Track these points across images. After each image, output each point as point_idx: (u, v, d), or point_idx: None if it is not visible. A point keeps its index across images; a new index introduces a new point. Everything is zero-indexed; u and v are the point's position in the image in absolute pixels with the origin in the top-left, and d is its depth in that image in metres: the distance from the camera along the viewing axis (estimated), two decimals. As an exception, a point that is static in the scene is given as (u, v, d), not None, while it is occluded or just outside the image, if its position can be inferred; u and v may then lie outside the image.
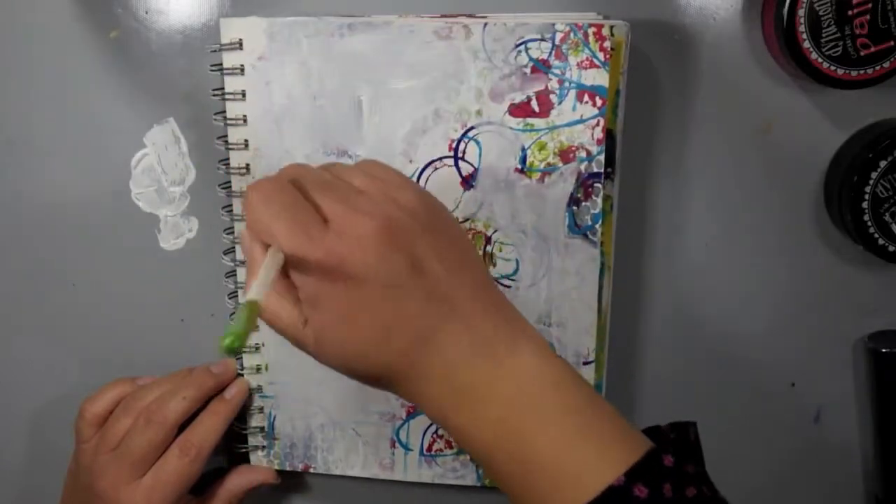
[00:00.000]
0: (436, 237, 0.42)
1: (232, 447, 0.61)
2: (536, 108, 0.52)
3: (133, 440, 0.54)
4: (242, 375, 0.59)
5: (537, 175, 0.53)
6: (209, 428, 0.56)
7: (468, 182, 0.54)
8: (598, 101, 0.52)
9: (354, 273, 0.40)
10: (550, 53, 0.52)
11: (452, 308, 0.41)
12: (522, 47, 0.52)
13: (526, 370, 0.41)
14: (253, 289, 0.39)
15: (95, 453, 0.55)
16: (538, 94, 0.52)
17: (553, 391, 0.41)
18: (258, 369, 0.58)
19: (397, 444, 0.59)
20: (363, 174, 0.44)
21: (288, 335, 0.43)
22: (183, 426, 0.56)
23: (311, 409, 0.59)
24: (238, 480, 0.60)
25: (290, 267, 0.41)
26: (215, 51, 0.54)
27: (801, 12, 0.52)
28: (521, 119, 0.53)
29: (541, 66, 0.52)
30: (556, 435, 0.40)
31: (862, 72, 0.53)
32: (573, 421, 0.40)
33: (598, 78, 0.51)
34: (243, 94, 0.54)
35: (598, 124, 0.52)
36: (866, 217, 0.55)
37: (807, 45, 0.52)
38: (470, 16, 0.53)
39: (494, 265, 0.55)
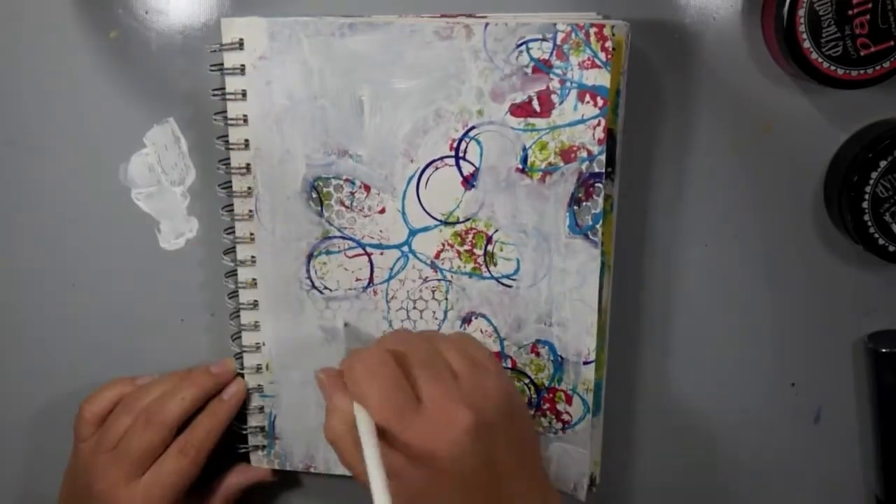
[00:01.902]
0: (511, 431, 0.46)
1: (232, 447, 0.61)
2: (537, 108, 0.52)
3: (132, 440, 0.54)
4: (242, 375, 0.59)
5: (538, 175, 0.54)
6: (208, 428, 0.56)
7: (469, 182, 0.54)
8: (600, 101, 0.52)
9: (437, 465, 0.43)
10: (551, 53, 0.52)
11: (509, 501, 0.45)
12: (523, 47, 0.52)
13: None
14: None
15: (94, 453, 0.55)
16: (539, 94, 0.52)
17: None
18: (258, 369, 0.58)
19: (398, 445, 0.59)
20: (459, 353, 0.47)
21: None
22: (183, 426, 0.56)
23: (311, 408, 0.59)
24: (235, 479, 0.60)
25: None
26: (215, 51, 0.54)
27: (801, 12, 0.52)
28: (522, 119, 0.53)
29: (542, 66, 0.52)
30: None
31: (862, 72, 0.53)
32: None
33: (600, 78, 0.51)
34: (244, 94, 0.54)
35: (599, 124, 0.52)
36: (866, 217, 0.55)
37: (807, 45, 0.52)
38: (470, 15, 0.53)
39: (495, 265, 0.55)
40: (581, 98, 0.52)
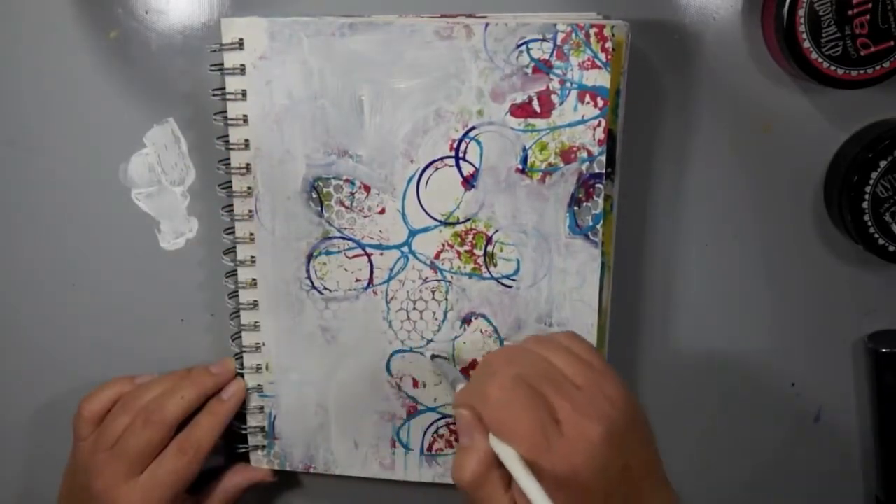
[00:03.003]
0: (637, 432, 0.45)
1: (232, 447, 0.61)
2: (538, 109, 0.52)
3: (130, 439, 0.54)
4: (242, 375, 0.59)
5: (538, 175, 0.53)
6: (206, 428, 0.56)
7: (469, 182, 0.54)
8: (600, 102, 0.52)
9: (582, 482, 0.43)
10: (552, 54, 0.52)
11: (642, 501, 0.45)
12: (524, 47, 0.52)
13: None
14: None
15: (93, 451, 0.55)
16: (539, 95, 0.52)
17: None
18: (258, 369, 0.58)
19: (398, 444, 0.59)
20: (571, 359, 0.46)
21: None
22: (181, 426, 0.56)
23: (311, 408, 0.59)
24: (234, 479, 0.60)
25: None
26: (215, 51, 0.54)
27: (801, 12, 0.52)
28: (522, 119, 0.53)
29: (542, 67, 0.52)
30: None
31: (862, 72, 0.53)
32: None
33: (600, 78, 0.51)
34: (244, 94, 0.54)
35: (599, 125, 0.52)
36: (866, 217, 0.55)
37: (807, 45, 0.52)
38: (470, 15, 0.53)
39: (496, 265, 0.55)
40: (581, 98, 0.52)
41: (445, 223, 0.55)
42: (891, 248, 0.56)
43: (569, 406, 0.44)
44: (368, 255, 0.56)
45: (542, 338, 0.49)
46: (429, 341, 0.57)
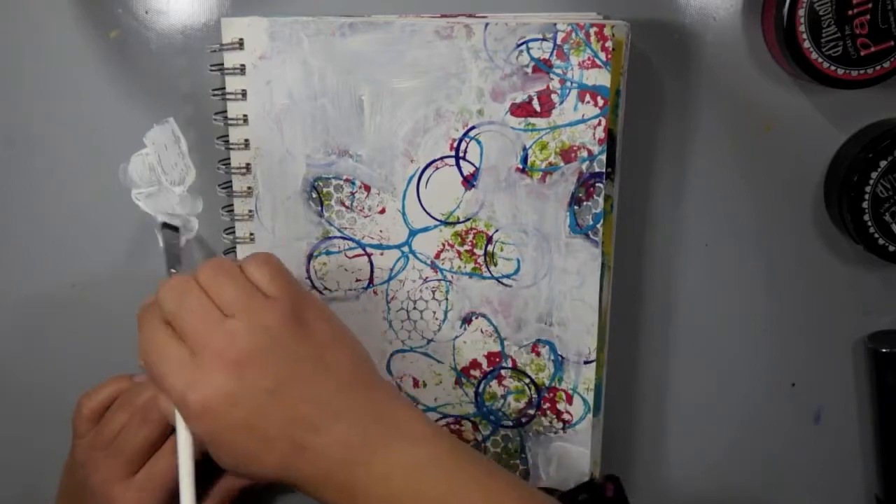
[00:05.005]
0: (299, 356, 0.46)
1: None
2: (538, 108, 0.52)
3: (128, 437, 0.54)
4: (242, 375, 0.59)
5: (538, 175, 0.54)
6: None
7: (469, 182, 0.54)
8: (600, 101, 0.52)
9: (212, 413, 0.45)
10: (552, 53, 0.52)
11: (316, 425, 0.45)
12: (524, 47, 0.52)
13: (399, 468, 0.45)
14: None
15: (90, 449, 0.55)
16: (539, 94, 0.52)
17: (431, 481, 0.45)
18: (258, 369, 0.58)
19: (398, 445, 0.59)
20: (233, 286, 0.47)
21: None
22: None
23: (311, 409, 0.59)
24: (231, 482, 0.60)
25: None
26: (216, 51, 0.54)
27: (801, 12, 0.52)
28: (522, 119, 0.53)
29: (542, 66, 0.52)
30: None
31: (862, 72, 0.53)
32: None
33: (600, 78, 0.51)
34: (244, 94, 0.54)
35: (599, 124, 0.52)
36: (866, 217, 0.55)
37: (807, 45, 0.52)
38: (470, 15, 0.53)
39: (496, 265, 0.55)
40: (581, 98, 0.52)
41: (445, 223, 0.55)
42: (891, 248, 0.56)
43: (202, 340, 0.45)
44: (368, 255, 0.56)
45: (220, 266, 0.48)
46: (429, 341, 0.57)
